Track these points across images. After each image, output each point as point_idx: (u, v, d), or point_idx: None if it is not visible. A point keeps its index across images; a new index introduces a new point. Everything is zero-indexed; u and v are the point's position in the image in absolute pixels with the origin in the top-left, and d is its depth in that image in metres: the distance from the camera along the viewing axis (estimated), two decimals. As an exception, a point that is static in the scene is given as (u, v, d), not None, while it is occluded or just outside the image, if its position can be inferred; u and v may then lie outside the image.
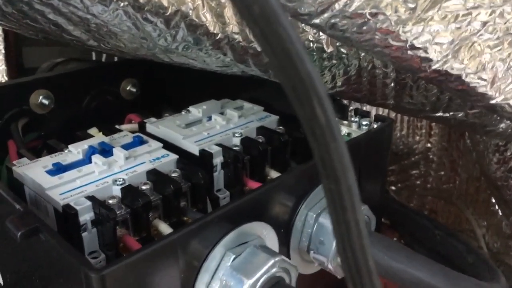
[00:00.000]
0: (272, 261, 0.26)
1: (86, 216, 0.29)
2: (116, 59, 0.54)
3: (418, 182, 0.73)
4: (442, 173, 0.71)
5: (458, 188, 0.71)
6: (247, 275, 0.26)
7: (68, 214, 0.29)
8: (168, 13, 0.29)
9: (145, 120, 0.41)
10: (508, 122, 0.42)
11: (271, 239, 0.30)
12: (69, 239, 0.28)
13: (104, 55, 0.63)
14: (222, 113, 0.41)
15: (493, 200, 0.67)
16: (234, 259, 0.27)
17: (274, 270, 0.26)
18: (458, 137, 0.68)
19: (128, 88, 0.50)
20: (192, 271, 0.26)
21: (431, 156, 0.71)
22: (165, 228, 0.30)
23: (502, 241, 0.65)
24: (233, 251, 0.27)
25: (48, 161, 0.34)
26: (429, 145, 0.71)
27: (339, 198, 0.14)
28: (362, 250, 0.14)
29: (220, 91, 0.45)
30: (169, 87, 0.52)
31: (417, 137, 0.71)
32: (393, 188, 0.73)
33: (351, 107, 0.42)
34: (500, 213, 0.66)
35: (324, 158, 0.14)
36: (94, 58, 0.65)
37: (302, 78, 0.13)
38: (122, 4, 0.29)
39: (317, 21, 0.26)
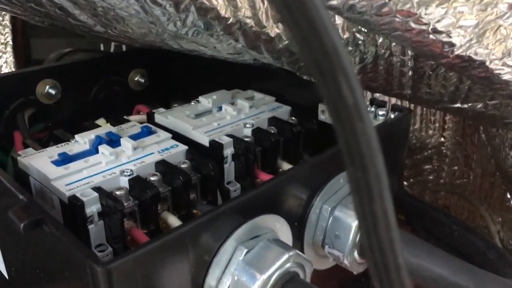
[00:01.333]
0: (286, 256, 0.25)
1: (92, 208, 0.28)
2: (124, 48, 0.53)
3: (431, 177, 0.71)
4: (456, 168, 0.70)
5: (472, 184, 0.69)
6: (260, 270, 0.25)
7: (74, 205, 0.28)
8: (177, -4, 0.28)
9: (153, 111, 0.40)
10: (531, 113, 0.40)
11: (284, 232, 0.29)
12: (75, 231, 0.27)
13: (112, 46, 0.62)
14: (232, 104, 0.40)
15: (508, 196, 0.65)
16: (246, 253, 0.25)
17: (288, 265, 0.25)
18: (473, 131, 0.66)
19: (136, 79, 0.49)
20: (203, 266, 0.25)
21: (444, 151, 0.70)
22: (174, 221, 0.29)
23: (518, 237, 0.64)
24: (245, 244, 0.26)
25: (54, 151, 0.33)
26: (442, 139, 0.69)
27: (366, 186, 0.13)
28: (391, 244, 0.13)
29: (231, 81, 0.44)
30: (178, 77, 0.51)
31: (430, 131, 0.69)
32: (405, 183, 0.71)
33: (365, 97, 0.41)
34: (516, 209, 0.64)
35: (350, 142, 0.13)
36: (102, 49, 0.64)
37: (327, 51, 0.12)
38: (129, -13, 0.28)
39: (334, 2, 0.25)
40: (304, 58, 0.12)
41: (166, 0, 0.28)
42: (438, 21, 0.26)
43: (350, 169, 0.13)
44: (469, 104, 0.42)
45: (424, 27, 0.26)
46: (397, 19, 0.26)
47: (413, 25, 0.26)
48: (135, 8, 0.29)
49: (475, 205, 0.68)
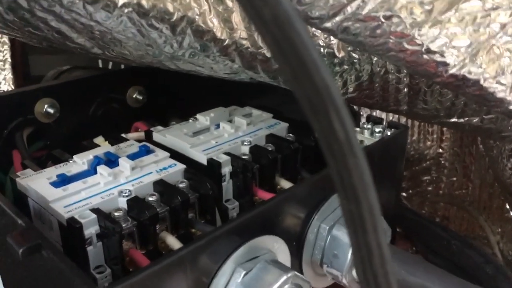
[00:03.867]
0: (284, 277, 0.25)
1: (91, 230, 0.28)
2: (122, 66, 0.54)
3: (430, 188, 0.71)
4: (455, 179, 0.70)
5: (471, 194, 0.69)
6: (258, 293, 0.25)
7: (72, 227, 0.28)
8: (174, 19, 0.28)
9: (151, 129, 0.40)
10: (527, 127, 0.41)
11: (282, 252, 0.29)
12: (74, 253, 0.27)
13: (110, 63, 0.62)
14: (230, 121, 0.40)
15: (507, 206, 0.65)
16: (244, 275, 0.25)
17: (286, 286, 0.25)
18: (471, 142, 0.66)
19: (134, 96, 0.49)
20: (201, 288, 0.25)
21: (443, 162, 0.70)
22: (172, 241, 0.29)
23: (518, 248, 0.64)
24: (244, 266, 0.26)
25: (53, 172, 0.33)
26: (440, 150, 0.69)
27: (359, 219, 0.13)
28: (385, 276, 0.13)
29: (228, 98, 0.44)
30: (176, 94, 0.52)
31: (429, 143, 0.69)
32: (404, 194, 0.71)
33: (362, 114, 0.41)
34: (515, 219, 0.64)
35: (342, 175, 0.13)
36: (100, 65, 0.64)
37: (318, 88, 0.12)
38: (126, 11, 0.28)
39: (328, 25, 0.25)
40: (295, 94, 0.13)
41: (163, 23, 0.28)
42: (432, 41, 0.27)
43: (343, 202, 0.13)
44: (466, 119, 0.42)
45: (417, 48, 0.27)
46: (391, 40, 0.26)
47: (406, 45, 0.27)
48: (132, 31, 0.29)
49: (475, 215, 0.68)
